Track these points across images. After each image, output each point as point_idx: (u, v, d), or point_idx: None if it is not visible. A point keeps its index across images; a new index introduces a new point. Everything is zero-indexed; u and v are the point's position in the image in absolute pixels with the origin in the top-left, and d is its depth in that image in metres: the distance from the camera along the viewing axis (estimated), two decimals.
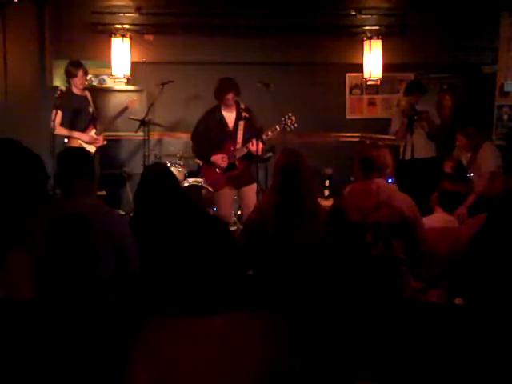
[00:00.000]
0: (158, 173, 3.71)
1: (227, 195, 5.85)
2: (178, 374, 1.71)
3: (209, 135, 5.76)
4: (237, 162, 5.72)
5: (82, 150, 3.88)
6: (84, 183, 3.23)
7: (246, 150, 5.64)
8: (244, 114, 5.62)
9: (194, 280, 1.81)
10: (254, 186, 5.65)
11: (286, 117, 5.70)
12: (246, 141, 5.70)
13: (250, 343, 1.75)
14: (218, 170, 5.75)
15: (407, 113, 6.47)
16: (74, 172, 3.21)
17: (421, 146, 6.38)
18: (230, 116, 5.76)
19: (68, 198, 3.20)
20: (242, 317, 1.81)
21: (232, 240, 1.92)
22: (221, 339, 1.74)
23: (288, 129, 5.73)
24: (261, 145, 5.47)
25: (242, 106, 5.74)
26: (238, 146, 5.71)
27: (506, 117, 7.39)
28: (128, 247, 3.16)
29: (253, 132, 5.64)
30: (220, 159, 5.71)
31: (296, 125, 5.72)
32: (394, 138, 6.88)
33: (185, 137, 8.11)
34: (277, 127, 5.68)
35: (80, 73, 6.42)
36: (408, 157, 6.42)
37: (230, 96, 5.63)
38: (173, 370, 1.71)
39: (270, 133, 5.68)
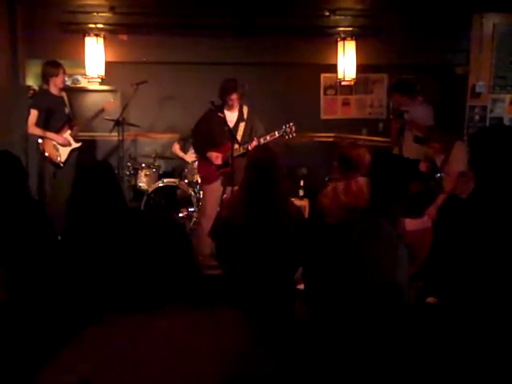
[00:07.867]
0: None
1: (216, 190, 5.90)
2: (133, 373, 1.63)
3: (209, 133, 5.80)
4: (230, 161, 5.74)
5: None
6: None
7: (242, 151, 5.68)
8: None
9: (142, 276, 1.77)
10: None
11: (287, 125, 5.83)
12: (244, 142, 5.76)
13: (210, 342, 1.68)
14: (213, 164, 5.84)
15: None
16: None
17: (407, 150, 6.35)
18: (231, 116, 5.80)
19: None
20: (201, 315, 1.75)
21: (184, 240, 1.89)
22: (177, 339, 1.68)
23: (286, 137, 5.86)
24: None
25: (245, 109, 5.86)
26: (236, 146, 5.71)
27: (477, 117, 7.50)
28: None
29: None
30: (214, 157, 5.79)
31: (295, 134, 5.87)
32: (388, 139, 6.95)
33: (160, 137, 8.12)
34: (276, 133, 5.80)
35: (61, 71, 6.42)
36: None
37: (235, 96, 5.69)
38: (128, 369, 1.63)
39: (268, 137, 5.77)
